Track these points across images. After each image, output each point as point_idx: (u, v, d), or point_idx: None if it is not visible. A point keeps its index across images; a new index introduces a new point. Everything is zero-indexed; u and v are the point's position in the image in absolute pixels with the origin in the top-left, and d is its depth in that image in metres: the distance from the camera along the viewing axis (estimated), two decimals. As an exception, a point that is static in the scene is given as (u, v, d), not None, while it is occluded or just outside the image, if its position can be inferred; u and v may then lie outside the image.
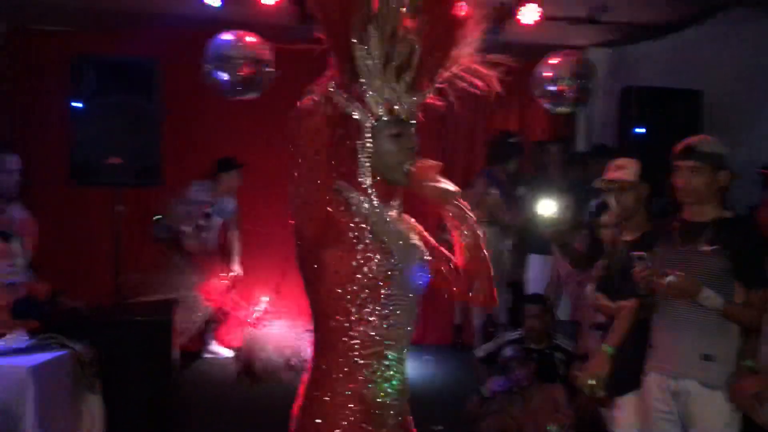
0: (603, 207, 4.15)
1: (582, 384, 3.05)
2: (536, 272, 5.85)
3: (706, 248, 2.85)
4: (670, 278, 2.76)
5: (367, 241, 1.85)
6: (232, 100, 5.23)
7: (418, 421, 2.06)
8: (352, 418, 1.85)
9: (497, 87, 2.06)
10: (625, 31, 6.07)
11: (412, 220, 2.06)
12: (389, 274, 1.86)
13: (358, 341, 1.86)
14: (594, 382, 3.02)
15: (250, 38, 5.05)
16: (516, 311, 5.27)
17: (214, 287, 6.04)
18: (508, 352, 4.48)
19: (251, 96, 5.16)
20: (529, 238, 5.73)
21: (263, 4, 5.02)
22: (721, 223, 2.89)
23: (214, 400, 5.30)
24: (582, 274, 4.59)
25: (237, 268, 6.18)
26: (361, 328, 1.86)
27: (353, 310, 1.85)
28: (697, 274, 2.81)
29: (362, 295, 1.84)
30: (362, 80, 1.86)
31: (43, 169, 5.87)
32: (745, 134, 5.33)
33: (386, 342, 1.88)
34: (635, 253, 2.92)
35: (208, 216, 6.05)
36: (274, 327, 6.00)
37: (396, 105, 1.89)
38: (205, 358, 6.26)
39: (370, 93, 1.87)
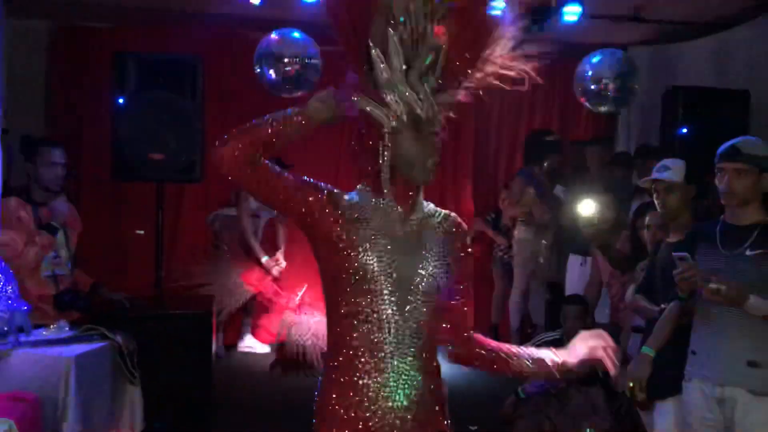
0: (645, 208, 4.09)
1: (622, 387, 3.01)
2: (576, 273, 5.80)
3: (751, 253, 2.78)
4: (715, 285, 2.70)
5: (348, 239, 1.90)
6: (274, 97, 5.26)
7: (453, 421, 2.04)
8: (346, 404, 1.90)
9: (532, 83, 2.06)
10: (669, 29, 5.97)
11: (451, 218, 2.06)
12: (375, 274, 1.90)
13: (347, 334, 1.91)
14: (634, 384, 2.98)
15: (297, 35, 5.09)
16: (555, 312, 5.22)
17: (256, 275, 6.13)
18: None
19: (300, 93, 5.20)
20: (568, 239, 5.67)
21: (305, 3, 5.04)
22: (766, 227, 2.82)
23: (250, 392, 5.36)
24: (624, 276, 4.53)
25: (281, 259, 6.27)
26: (349, 321, 1.91)
27: (343, 303, 1.92)
28: (741, 279, 2.74)
29: (347, 289, 1.90)
30: (382, 83, 1.88)
31: (88, 163, 5.99)
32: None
33: (377, 338, 1.90)
34: (677, 254, 2.87)
35: (257, 216, 6.15)
36: (313, 317, 6.08)
37: (417, 106, 1.89)
38: (241, 351, 6.33)
39: (391, 95, 1.88)
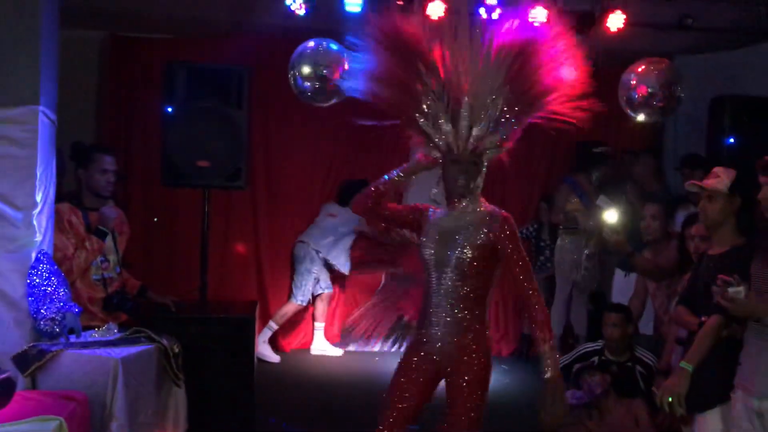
0: (692, 218, 4.03)
1: (660, 401, 2.97)
2: (619, 285, 5.74)
3: None
4: (734, 291, 2.68)
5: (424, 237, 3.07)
6: (318, 107, 5.32)
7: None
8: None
9: (581, 125, 2.97)
10: (716, 37, 5.87)
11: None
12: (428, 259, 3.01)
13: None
14: (673, 399, 2.94)
15: (333, 46, 5.13)
16: (596, 323, 5.17)
17: None
18: (577, 366, 4.45)
19: (332, 102, 5.25)
20: (613, 251, 5.62)
21: (350, 13, 5.08)
22: None
23: (292, 395, 5.43)
24: (669, 288, 4.47)
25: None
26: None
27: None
28: None
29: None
30: (430, 135, 3.00)
31: (137, 170, 6.13)
32: None
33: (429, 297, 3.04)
34: (723, 277, 2.83)
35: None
36: None
37: (454, 147, 2.96)
38: (314, 354, 6.52)
39: (437, 141, 2.99)
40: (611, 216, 4.30)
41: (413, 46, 2.97)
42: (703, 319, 3.11)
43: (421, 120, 2.97)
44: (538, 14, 4.83)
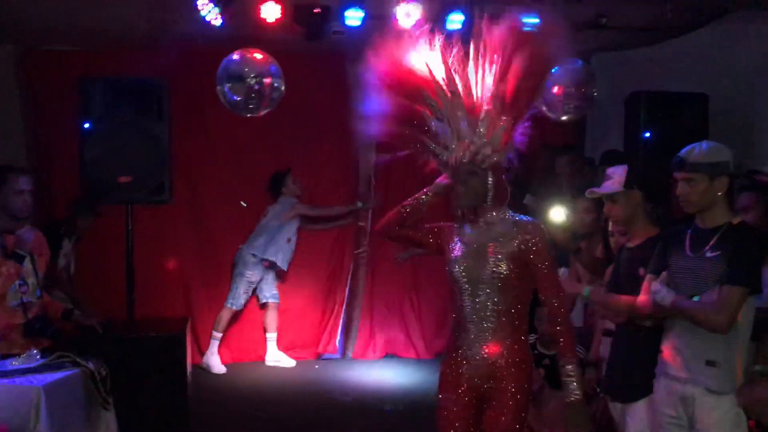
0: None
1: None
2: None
3: (711, 254, 2.84)
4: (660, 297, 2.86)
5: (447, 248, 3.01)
6: (241, 116, 5.26)
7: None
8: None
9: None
10: (629, 35, 6.05)
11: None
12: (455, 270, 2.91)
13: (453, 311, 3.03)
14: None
15: (258, 55, 5.08)
16: (530, 317, 5.23)
17: None
18: None
19: (263, 112, 5.20)
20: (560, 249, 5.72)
21: (266, 21, 5.04)
22: (729, 228, 2.88)
23: (227, 410, 5.34)
24: (598, 280, 4.57)
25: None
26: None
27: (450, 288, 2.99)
28: (702, 280, 2.82)
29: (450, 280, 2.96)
30: (440, 157, 2.93)
31: (58, 188, 5.93)
32: (752, 137, 5.30)
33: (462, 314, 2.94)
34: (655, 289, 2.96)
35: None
36: None
37: (452, 161, 2.86)
38: (269, 365, 6.47)
39: (446, 160, 2.89)
40: (558, 214, 4.36)
41: (412, 77, 2.90)
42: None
43: (432, 145, 2.92)
44: (455, 18, 4.90)
